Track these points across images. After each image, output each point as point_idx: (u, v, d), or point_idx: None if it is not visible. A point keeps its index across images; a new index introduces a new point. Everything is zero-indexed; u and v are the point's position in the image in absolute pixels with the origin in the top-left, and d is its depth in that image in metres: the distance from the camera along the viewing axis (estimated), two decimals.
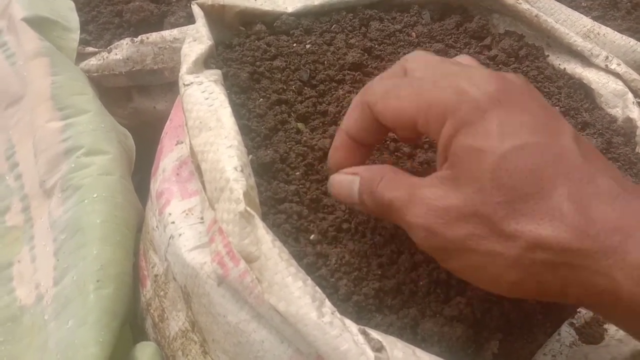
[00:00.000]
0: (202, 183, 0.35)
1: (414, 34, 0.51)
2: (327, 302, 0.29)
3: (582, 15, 0.55)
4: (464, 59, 0.32)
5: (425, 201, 0.26)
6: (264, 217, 0.35)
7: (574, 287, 0.24)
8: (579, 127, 0.44)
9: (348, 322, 0.28)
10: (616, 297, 0.22)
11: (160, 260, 0.40)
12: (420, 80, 0.29)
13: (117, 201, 0.44)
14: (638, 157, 0.42)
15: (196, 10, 0.45)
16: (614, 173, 0.25)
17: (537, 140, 0.24)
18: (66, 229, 0.43)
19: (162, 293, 0.40)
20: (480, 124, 0.25)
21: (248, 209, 0.31)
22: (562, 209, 0.23)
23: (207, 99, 0.38)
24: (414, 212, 0.26)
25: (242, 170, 0.33)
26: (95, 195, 0.43)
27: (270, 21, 0.49)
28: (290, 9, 0.49)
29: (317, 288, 0.29)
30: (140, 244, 0.46)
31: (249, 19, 0.49)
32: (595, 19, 0.58)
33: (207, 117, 0.36)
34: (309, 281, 0.29)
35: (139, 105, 0.56)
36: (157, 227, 0.39)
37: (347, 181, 0.31)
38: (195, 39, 0.43)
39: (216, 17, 0.47)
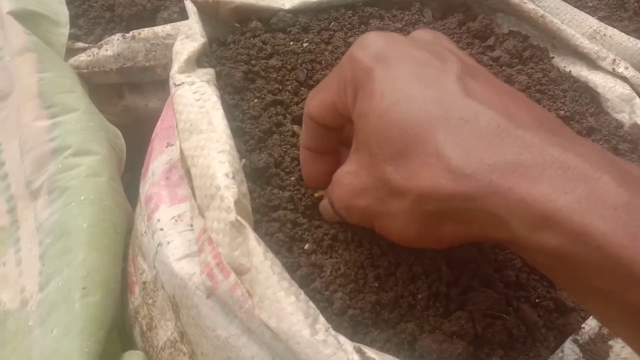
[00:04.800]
0: (192, 189, 0.33)
1: None
2: (321, 318, 0.27)
3: (588, 16, 0.53)
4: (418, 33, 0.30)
5: (338, 182, 0.27)
6: (257, 226, 0.33)
7: (474, 230, 0.23)
8: (584, 132, 0.42)
9: (342, 339, 0.27)
10: (513, 236, 0.21)
11: (149, 267, 0.38)
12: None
13: (105, 204, 0.43)
14: None
15: (189, 6, 0.44)
16: (503, 103, 0.23)
17: (414, 90, 0.23)
18: (52, 233, 0.42)
19: (150, 301, 0.38)
20: (368, 85, 0.24)
21: (239, 218, 0.29)
22: (439, 154, 0.22)
23: (198, 100, 0.36)
24: (335, 196, 0.28)
25: (233, 177, 0.31)
26: (82, 198, 0.42)
27: (267, 18, 0.47)
28: (287, 6, 0.48)
29: (310, 303, 0.28)
30: (129, 248, 0.44)
31: (244, 15, 0.47)
32: (601, 19, 0.56)
33: (198, 120, 0.35)
34: (302, 295, 0.28)
35: (130, 103, 0.55)
36: (145, 232, 0.38)
37: (325, 205, 0.32)
38: (187, 36, 0.42)
39: (210, 13, 0.46)
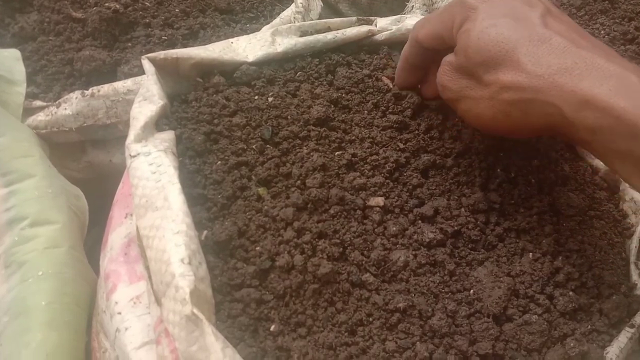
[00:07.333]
0: (148, 270, 0.32)
1: (384, 78, 0.48)
2: None
3: None
4: None
5: (444, 64, 0.37)
6: (218, 307, 0.31)
7: (533, 116, 0.32)
8: (560, 181, 0.41)
9: None
10: (564, 119, 0.30)
11: (111, 347, 0.36)
12: (444, 5, 0.39)
13: (66, 277, 0.41)
14: (623, 214, 0.40)
15: (147, 65, 0.42)
16: (572, 35, 0.32)
17: (506, 19, 0.33)
18: (10, 311, 0.39)
19: None
20: (473, 16, 0.35)
21: (195, 311, 0.27)
22: (520, 61, 0.32)
23: (154, 172, 0.34)
24: (440, 72, 0.37)
25: (189, 262, 0.29)
26: (40, 273, 0.40)
27: (230, 71, 0.46)
28: (251, 58, 0.46)
29: None
30: (93, 319, 0.42)
31: (206, 69, 0.45)
32: None
33: (154, 195, 0.33)
34: None
35: (93, 159, 0.53)
36: (105, 311, 0.36)
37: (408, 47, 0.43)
38: (145, 98, 0.40)
39: (170, 70, 0.44)
